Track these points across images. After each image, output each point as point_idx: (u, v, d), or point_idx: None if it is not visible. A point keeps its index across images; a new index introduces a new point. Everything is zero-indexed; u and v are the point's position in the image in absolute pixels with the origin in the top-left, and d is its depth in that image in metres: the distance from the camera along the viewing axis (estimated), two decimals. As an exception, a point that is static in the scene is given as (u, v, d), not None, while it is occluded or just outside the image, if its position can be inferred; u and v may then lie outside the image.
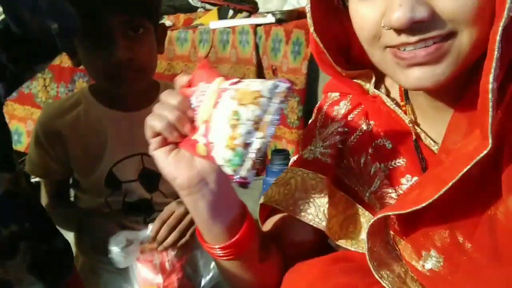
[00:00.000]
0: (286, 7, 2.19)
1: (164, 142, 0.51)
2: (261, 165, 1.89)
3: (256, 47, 1.76)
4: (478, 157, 0.42)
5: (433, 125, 0.56)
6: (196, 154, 0.49)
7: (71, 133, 0.86)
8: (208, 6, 2.20)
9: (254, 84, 0.47)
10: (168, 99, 0.51)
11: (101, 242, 0.80)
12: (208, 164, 0.50)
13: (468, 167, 0.43)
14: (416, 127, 0.57)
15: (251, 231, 0.54)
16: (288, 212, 0.60)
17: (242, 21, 1.86)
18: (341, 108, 0.63)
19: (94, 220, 0.86)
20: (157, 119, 0.51)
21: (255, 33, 1.76)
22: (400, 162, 0.56)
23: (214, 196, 0.52)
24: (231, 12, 2.03)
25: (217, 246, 0.53)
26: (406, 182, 0.55)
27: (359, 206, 0.60)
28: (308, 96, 1.75)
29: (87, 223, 0.88)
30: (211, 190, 0.51)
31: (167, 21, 1.99)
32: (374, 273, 0.51)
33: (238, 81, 0.49)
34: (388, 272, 0.52)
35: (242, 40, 1.78)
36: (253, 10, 2.06)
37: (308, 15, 0.55)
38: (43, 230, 0.69)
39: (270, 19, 1.80)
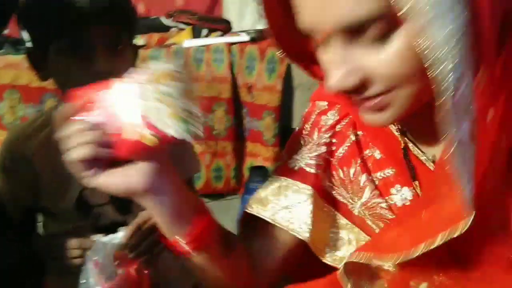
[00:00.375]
0: (259, 27, 2.21)
1: (94, 166, 0.50)
2: (238, 184, 1.87)
3: (231, 66, 1.77)
4: (452, 234, 0.42)
5: (420, 134, 0.56)
6: (143, 148, 0.49)
7: (39, 156, 0.82)
8: (181, 26, 2.20)
9: (161, 66, 0.51)
10: (69, 129, 0.50)
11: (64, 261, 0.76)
12: (149, 164, 0.50)
13: (441, 242, 0.42)
14: (404, 137, 0.57)
15: (211, 224, 0.55)
16: (272, 221, 0.60)
17: (216, 40, 1.86)
18: (329, 119, 0.63)
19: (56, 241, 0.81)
20: (79, 149, 0.49)
21: (230, 51, 1.77)
22: (390, 172, 0.56)
23: (169, 194, 0.52)
24: (204, 32, 2.03)
25: (179, 241, 0.53)
26: (396, 192, 0.55)
27: (347, 221, 0.60)
28: (283, 113, 1.75)
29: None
30: (163, 189, 0.51)
31: (140, 40, 1.97)
32: None
33: (141, 72, 0.51)
34: None
35: (216, 58, 1.78)
36: (227, 29, 2.07)
37: (271, 37, 0.55)
38: None
39: (245, 37, 1.81)
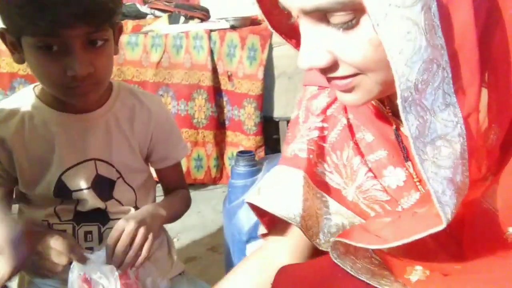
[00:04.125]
0: (238, 15, 2.18)
1: None
2: (219, 174, 1.84)
3: (211, 53, 1.73)
4: (431, 231, 0.41)
5: None
6: None
7: (15, 139, 0.77)
8: (157, 13, 2.14)
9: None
10: None
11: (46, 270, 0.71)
12: None
13: (420, 236, 0.42)
14: (396, 118, 0.56)
15: None
16: (266, 209, 0.58)
17: (195, 26, 1.82)
18: (320, 103, 0.62)
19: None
20: None
21: (210, 38, 1.73)
22: (382, 154, 0.56)
23: None
24: (182, 19, 1.98)
25: None
26: (390, 173, 0.55)
27: (341, 206, 0.59)
28: (265, 102, 1.73)
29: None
30: None
31: (115, 26, 1.91)
32: (371, 283, 0.49)
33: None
34: (385, 279, 0.50)
35: (196, 45, 1.73)
36: (205, 17, 2.03)
37: (262, 15, 0.53)
38: None
39: (225, 24, 1.77)
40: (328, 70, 0.44)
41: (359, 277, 0.49)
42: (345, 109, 0.60)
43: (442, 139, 0.39)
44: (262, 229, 0.67)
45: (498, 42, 0.41)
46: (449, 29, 0.38)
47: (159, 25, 1.89)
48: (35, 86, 0.82)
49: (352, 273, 0.49)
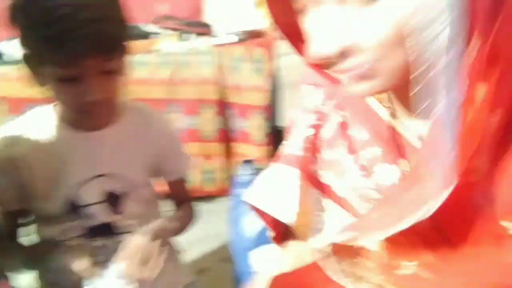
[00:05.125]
0: (243, 29, 2.21)
1: None
2: (230, 186, 1.86)
3: (218, 67, 1.76)
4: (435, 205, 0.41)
5: (407, 111, 0.55)
6: None
7: (27, 160, 0.80)
8: (167, 32, 2.19)
9: None
10: None
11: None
12: None
13: (425, 216, 0.42)
14: (392, 116, 0.56)
15: None
16: (261, 209, 0.60)
17: (202, 42, 1.86)
18: (315, 100, 0.62)
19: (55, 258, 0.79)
20: None
21: (216, 53, 1.76)
22: (376, 151, 0.55)
23: None
24: (191, 36, 2.03)
25: None
26: (383, 171, 0.54)
27: (332, 204, 0.59)
28: (274, 112, 1.75)
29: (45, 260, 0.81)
30: None
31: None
32: None
33: None
34: (368, 282, 0.50)
35: (203, 61, 1.77)
36: (212, 33, 2.08)
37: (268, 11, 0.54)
38: None
39: (232, 38, 1.81)
40: (340, 59, 0.43)
41: (340, 282, 0.49)
42: (339, 106, 0.60)
43: (440, 124, 0.39)
44: (271, 233, 0.67)
45: (502, 19, 0.40)
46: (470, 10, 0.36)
47: (168, 43, 1.94)
48: (54, 105, 0.86)
49: (334, 277, 0.49)
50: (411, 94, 0.37)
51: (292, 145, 0.62)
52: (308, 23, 0.45)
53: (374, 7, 0.40)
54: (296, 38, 0.53)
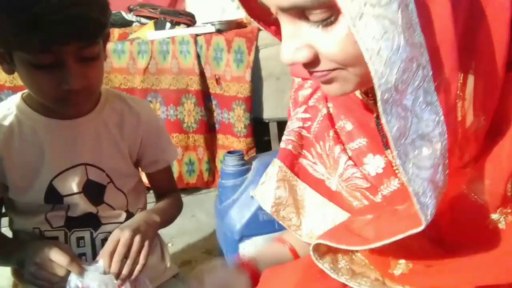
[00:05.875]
0: (223, 19, 2.19)
1: None
2: (211, 177, 1.84)
3: (198, 57, 1.73)
4: (410, 232, 0.41)
5: None
6: None
7: (4, 147, 0.76)
8: (143, 20, 2.14)
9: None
10: None
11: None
12: None
13: (400, 237, 0.42)
14: (377, 106, 0.56)
15: None
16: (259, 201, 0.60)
17: (181, 31, 1.82)
18: (304, 93, 0.63)
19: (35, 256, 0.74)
20: None
21: (196, 42, 1.74)
22: (362, 142, 0.56)
23: None
24: (168, 25, 1.99)
25: None
26: (369, 161, 0.55)
27: (323, 198, 0.59)
28: (254, 104, 1.74)
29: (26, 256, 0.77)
30: None
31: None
32: (350, 285, 0.49)
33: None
34: (364, 279, 0.50)
35: (182, 50, 1.74)
36: (191, 22, 2.04)
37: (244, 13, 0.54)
38: None
39: (210, 28, 1.78)
40: (310, 64, 0.44)
41: (338, 279, 0.49)
42: (325, 98, 0.60)
43: (422, 139, 0.38)
44: None
45: (483, 30, 0.41)
46: (428, 26, 0.37)
47: (145, 32, 1.90)
48: (23, 93, 0.81)
49: (331, 274, 0.49)
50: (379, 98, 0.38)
51: (283, 139, 0.62)
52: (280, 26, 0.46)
53: (334, 28, 0.41)
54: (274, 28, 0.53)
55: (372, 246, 0.44)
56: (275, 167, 0.61)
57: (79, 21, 0.66)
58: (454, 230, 0.46)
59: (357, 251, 0.52)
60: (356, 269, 0.51)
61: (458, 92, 0.43)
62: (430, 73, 0.37)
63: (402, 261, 0.48)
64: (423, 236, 0.48)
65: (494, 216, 0.43)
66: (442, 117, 0.38)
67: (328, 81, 0.46)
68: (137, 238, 0.74)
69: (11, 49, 0.68)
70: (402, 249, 0.48)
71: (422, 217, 0.38)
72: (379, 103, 0.37)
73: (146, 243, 0.76)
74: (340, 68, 0.44)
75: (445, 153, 0.39)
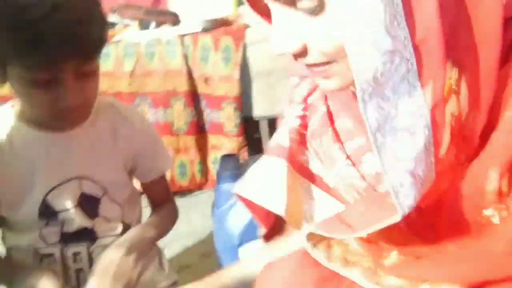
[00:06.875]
0: (209, 17, 2.17)
1: None
2: (203, 179, 1.83)
3: (185, 57, 1.71)
4: (387, 222, 0.41)
5: None
6: None
7: None
8: (126, 21, 2.11)
9: None
10: None
11: None
12: None
13: (382, 226, 0.42)
14: None
15: None
16: (251, 200, 0.59)
17: (167, 31, 1.80)
18: (302, 91, 0.62)
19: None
20: None
21: (182, 43, 1.71)
22: (361, 140, 0.55)
23: None
24: (153, 25, 1.96)
25: None
26: (368, 160, 0.55)
27: (323, 193, 0.59)
28: (244, 102, 1.73)
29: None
30: None
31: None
32: (341, 273, 0.49)
33: None
34: (358, 267, 0.51)
35: (169, 51, 1.71)
36: (175, 21, 2.01)
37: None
38: None
39: (196, 27, 1.76)
40: (300, 55, 0.44)
41: (330, 267, 0.49)
42: (325, 96, 0.60)
43: (404, 130, 0.39)
44: (262, 230, 0.67)
45: (475, 26, 0.41)
46: (413, 20, 0.37)
47: (130, 33, 1.87)
48: (12, 105, 0.79)
49: (323, 262, 0.49)
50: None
51: (280, 137, 0.62)
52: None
53: (321, 17, 0.40)
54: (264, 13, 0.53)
55: (358, 234, 0.44)
56: (281, 166, 0.59)
57: (81, 39, 0.65)
58: (447, 225, 0.46)
59: (352, 240, 0.52)
60: (350, 258, 0.51)
61: (453, 86, 0.43)
62: (415, 67, 0.37)
63: (394, 251, 0.48)
64: (415, 232, 0.48)
65: (488, 212, 0.43)
66: (427, 110, 0.38)
67: (326, 76, 0.46)
68: (128, 258, 0.74)
69: (7, 64, 0.67)
70: (393, 239, 0.49)
71: (398, 207, 0.39)
72: (358, 93, 0.37)
73: (140, 263, 0.76)
74: (331, 62, 0.43)
75: (430, 147, 0.39)
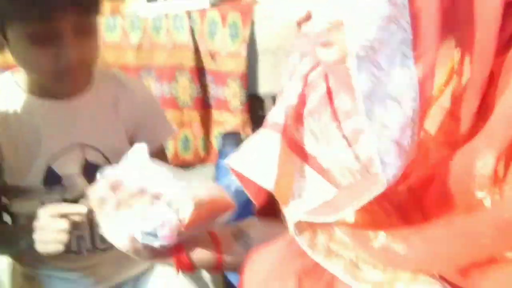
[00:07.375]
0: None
1: None
2: (206, 154, 1.84)
3: (192, 32, 1.70)
4: (373, 193, 0.41)
5: None
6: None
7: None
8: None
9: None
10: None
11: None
12: None
13: (366, 199, 0.42)
14: None
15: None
16: (242, 173, 0.60)
17: (174, 6, 1.78)
18: (302, 68, 0.62)
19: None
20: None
21: (190, 17, 1.70)
22: (359, 119, 0.56)
23: None
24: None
25: None
26: (363, 140, 0.54)
27: (315, 173, 0.58)
28: (249, 79, 1.72)
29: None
30: None
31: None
32: (324, 265, 0.49)
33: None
34: (339, 260, 0.50)
35: (176, 25, 1.70)
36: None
37: None
38: None
39: (204, 2, 1.74)
40: (303, 21, 0.44)
41: (314, 257, 0.49)
42: (325, 75, 0.59)
43: (393, 99, 0.39)
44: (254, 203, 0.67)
45: (476, 9, 0.41)
46: None
47: (138, 4, 1.85)
48: (13, 73, 0.80)
49: (307, 251, 0.49)
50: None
51: (277, 113, 0.62)
52: None
53: None
54: None
55: (343, 212, 0.44)
56: (275, 141, 0.60)
57: None
58: (435, 206, 0.46)
59: (338, 226, 0.52)
60: (333, 247, 0.51)
61: (455, 67, 0.43)
62: (410, 36, 0.37)
63: (382, 234, 0.48)
64: (401, 212, 0.48)
65: (481, 195, 0.43)
66: (417, 83, 0.39)
67: (327, 45, 0.46)
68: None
69: (7, 21, 0.67)
70: (380, 223, 0.48)
71: (382, 176, 0.39)
72: (352, 58, 0.37)
73: None
74: (332, 29, 0.43)
75: (416, 119, 0.39)
